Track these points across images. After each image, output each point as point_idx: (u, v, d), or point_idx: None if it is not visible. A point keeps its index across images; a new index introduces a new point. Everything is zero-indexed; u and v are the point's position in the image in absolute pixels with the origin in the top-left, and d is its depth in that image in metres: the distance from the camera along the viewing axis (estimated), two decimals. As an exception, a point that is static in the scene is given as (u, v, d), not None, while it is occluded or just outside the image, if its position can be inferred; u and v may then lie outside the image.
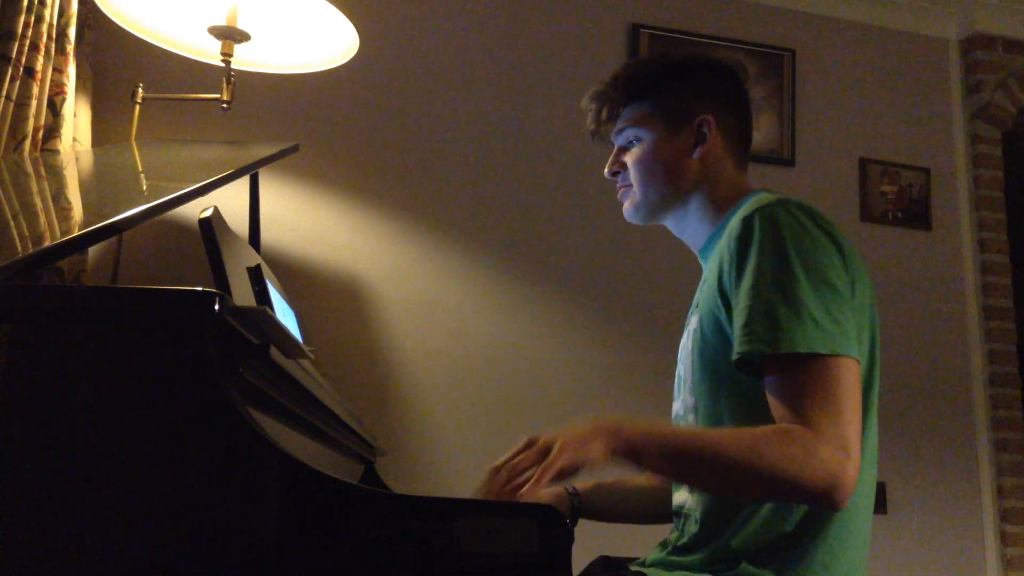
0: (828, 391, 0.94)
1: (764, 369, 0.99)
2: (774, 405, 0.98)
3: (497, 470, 0.93)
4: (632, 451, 0.95)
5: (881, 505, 2.42)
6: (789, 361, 0.96)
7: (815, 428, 0.92)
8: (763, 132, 2.64)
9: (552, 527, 0.83)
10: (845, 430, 0.93)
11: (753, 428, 0.96)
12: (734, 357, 1.00)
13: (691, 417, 1.13)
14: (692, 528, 1.10)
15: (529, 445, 0.94)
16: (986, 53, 2.87)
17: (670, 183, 1.19)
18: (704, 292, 1.12)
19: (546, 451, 0.92)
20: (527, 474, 0.92)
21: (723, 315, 1.05)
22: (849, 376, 0.96)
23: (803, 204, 1.04)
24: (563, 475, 0.92)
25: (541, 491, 1.27)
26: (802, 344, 0.95)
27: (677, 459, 0.97)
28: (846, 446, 0.92)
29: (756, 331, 0.97)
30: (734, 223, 1.05)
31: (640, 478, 1.35)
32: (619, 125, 1.23)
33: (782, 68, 2.71)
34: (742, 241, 1.02)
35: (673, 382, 1.25)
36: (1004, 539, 2.57)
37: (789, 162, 2.66)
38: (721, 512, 1.06)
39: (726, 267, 1.04)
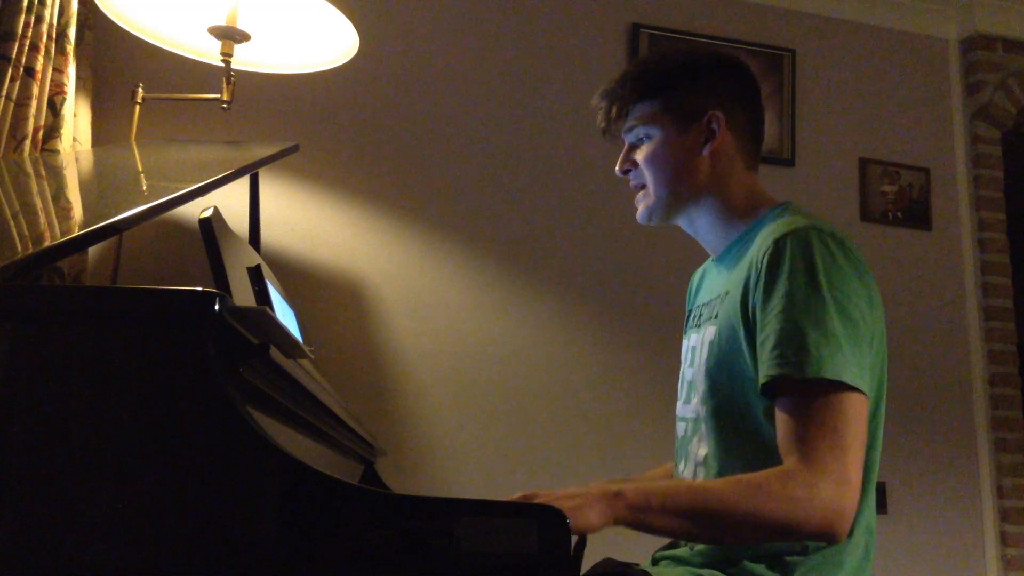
0: (837, 422, 0.95)
1: (781, 391, 0.99)
2: (782, 428, 0.98)
3: None
4: (634, 515, 0.93)
5: (881, 505, 2.41)
6: (809, 387, 0.96)
7: (816, 463, 0.93)
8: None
9: (552, 527, 0.83)
10: (846, 463, 0.94)
11: (753, 475, 0.96)
12: (762, 380, 0.99)
13: (701, 426, 1.13)
14: None
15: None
16: (986, 53, 2.87)
17: (683, 182, 1.18)
18: (725, 306, 1.11)
19: None
20: None
21: (742, 332, 1.05)
22: (859, 410, 0.97)
23: (835, 233, 1.04)
24: None
25: None
26: (830, 371, 0.95)
27: (679, 518, 0.95)
28: (846, 479, 0.93)
29: (785, 355, 0.97)
30: (765, 243, 1.05)
31: (648, 472, 1.36)
32: (629, 123, 1.22)
33: (782, 68, 2.71)
34: (773, 263, 1.02)
35: (672, 383, 1.25)
36: (1004, 539, 2.57)
37: (789, 162, 2.66)
38: None
39: (753, 286, 1.04)
